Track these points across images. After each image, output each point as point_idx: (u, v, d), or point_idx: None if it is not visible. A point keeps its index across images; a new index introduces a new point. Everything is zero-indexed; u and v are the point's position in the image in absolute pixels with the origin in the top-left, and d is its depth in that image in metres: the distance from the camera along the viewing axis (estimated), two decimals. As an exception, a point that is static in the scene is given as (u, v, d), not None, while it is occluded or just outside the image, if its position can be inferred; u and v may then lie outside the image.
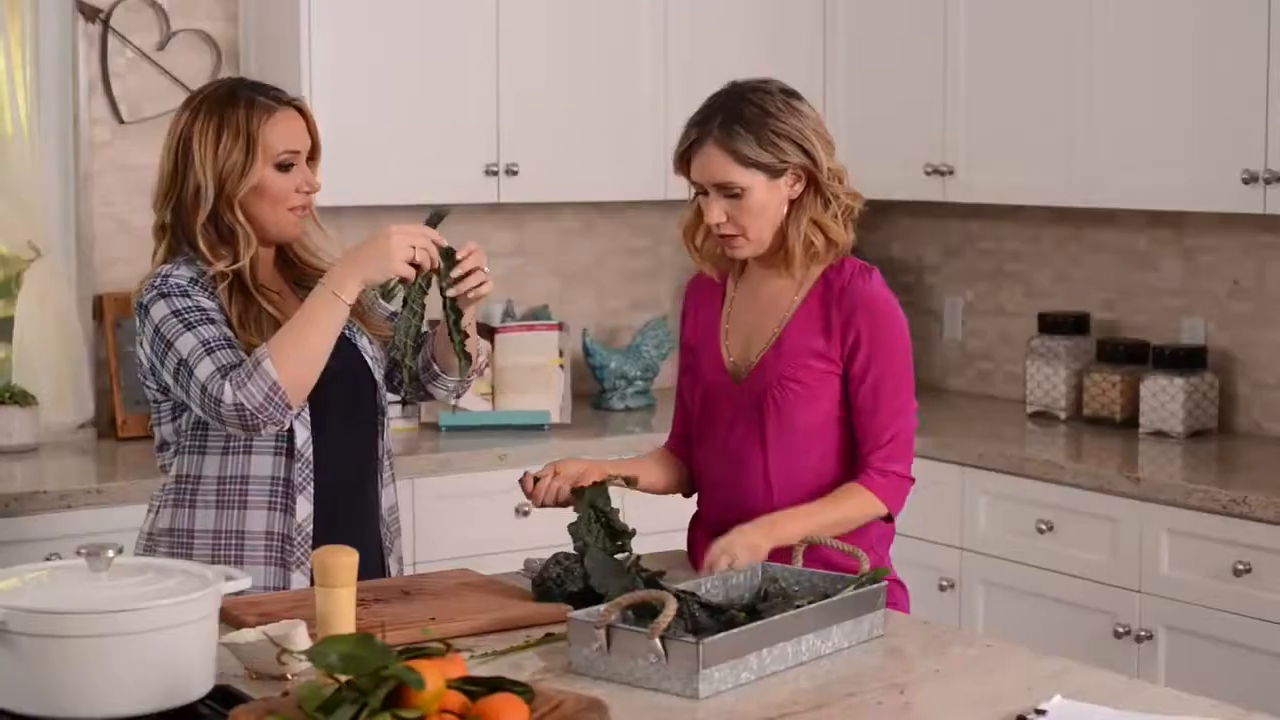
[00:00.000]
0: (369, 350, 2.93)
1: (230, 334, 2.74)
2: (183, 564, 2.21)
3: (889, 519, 2.84)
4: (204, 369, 2.68)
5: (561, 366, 4.56)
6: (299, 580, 2.79)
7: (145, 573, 2.13)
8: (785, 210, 2.80)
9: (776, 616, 2.35)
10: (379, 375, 2.95)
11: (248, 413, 2.64)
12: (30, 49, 4.21)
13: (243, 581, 2.17)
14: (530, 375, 4.53)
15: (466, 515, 4.17)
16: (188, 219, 2.79)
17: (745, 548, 2.67)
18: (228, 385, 2.64)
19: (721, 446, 2.89)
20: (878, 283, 2.85)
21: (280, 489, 2.80)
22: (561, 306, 5.01)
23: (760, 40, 4.85)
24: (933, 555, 4.31)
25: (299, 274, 2.93)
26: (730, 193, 2.76)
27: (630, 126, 4.70)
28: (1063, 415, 4.65)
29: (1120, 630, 3.91)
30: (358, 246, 2.72)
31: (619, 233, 5.14)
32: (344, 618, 2.20)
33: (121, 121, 4.36)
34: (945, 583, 4.32)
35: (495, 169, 4.48)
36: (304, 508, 2.81)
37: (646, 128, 4.70)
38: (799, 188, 2.79)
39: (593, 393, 4.90)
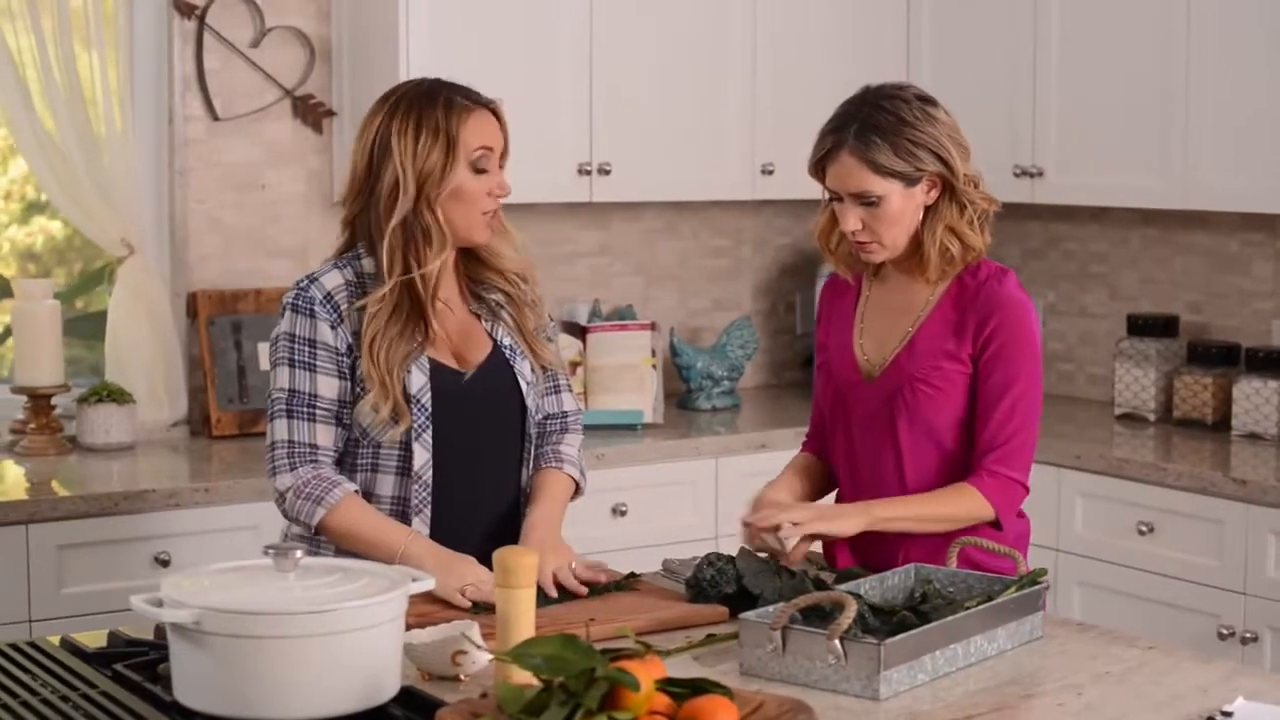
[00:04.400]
0: (526, 375, 2.84)
1: (321, 394, 2.70)
2: (368, 564, 2.20)
3: (996, 525, 2.80)
4: (279, 432, 2.71)
5: (654, 366, 4.55)
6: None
7: (332, 574, 2.12)
8: (920, 216, 2.79)
9: (950, 618, 2.34)
10: (532, 402, 2.85)
11: (283, 508, 2.72)
12: (125, 45, 4.19)
13: (427, 583, 2.16)
14: (622, 374, 4.52)
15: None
16: (379, 218, 2.72)
17: (828, 523, 2.70)
18: (289, 476, 2.69)
19: (856, 448, 2.88)
20: (1013, 285, 2.83)
21: (399, 509, 2.75)
22: (645, 306, 5.00)
23: (846, 42, 4.84)
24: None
25: (477, 274, 2.86)
26: (866, 201, 2.75)
27: (719, 127, 4.69)
28: (1152, 417, 4.63)
29: (1224, 632, 3.90)
30: (443, 561, 2.64)
31: (701, 232, 5.13)
32: (525, 619, 2.18)
33: (216, 118, 4.35)
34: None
35: (588, 168, 4.47)
36: (419, 529, 2.74)
37: (735, 129, 4.70)
38: (934, 194, 2.78)
39: (678, 392, 4.89)
